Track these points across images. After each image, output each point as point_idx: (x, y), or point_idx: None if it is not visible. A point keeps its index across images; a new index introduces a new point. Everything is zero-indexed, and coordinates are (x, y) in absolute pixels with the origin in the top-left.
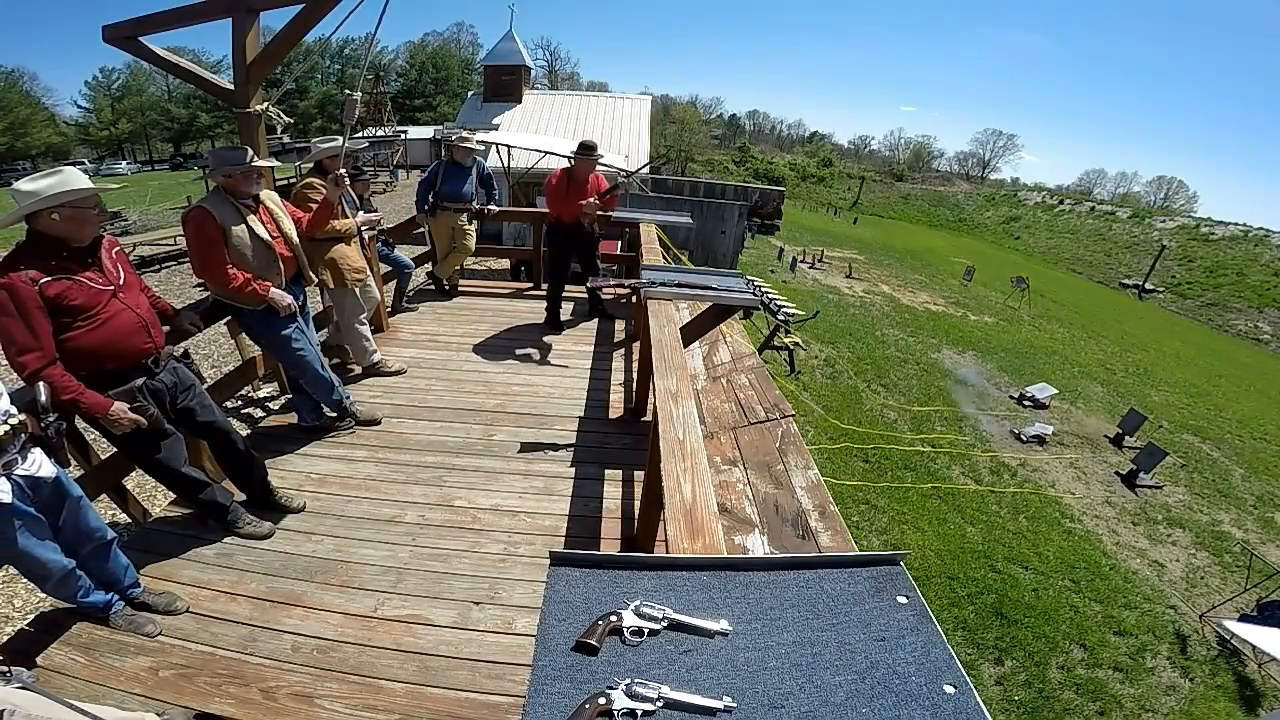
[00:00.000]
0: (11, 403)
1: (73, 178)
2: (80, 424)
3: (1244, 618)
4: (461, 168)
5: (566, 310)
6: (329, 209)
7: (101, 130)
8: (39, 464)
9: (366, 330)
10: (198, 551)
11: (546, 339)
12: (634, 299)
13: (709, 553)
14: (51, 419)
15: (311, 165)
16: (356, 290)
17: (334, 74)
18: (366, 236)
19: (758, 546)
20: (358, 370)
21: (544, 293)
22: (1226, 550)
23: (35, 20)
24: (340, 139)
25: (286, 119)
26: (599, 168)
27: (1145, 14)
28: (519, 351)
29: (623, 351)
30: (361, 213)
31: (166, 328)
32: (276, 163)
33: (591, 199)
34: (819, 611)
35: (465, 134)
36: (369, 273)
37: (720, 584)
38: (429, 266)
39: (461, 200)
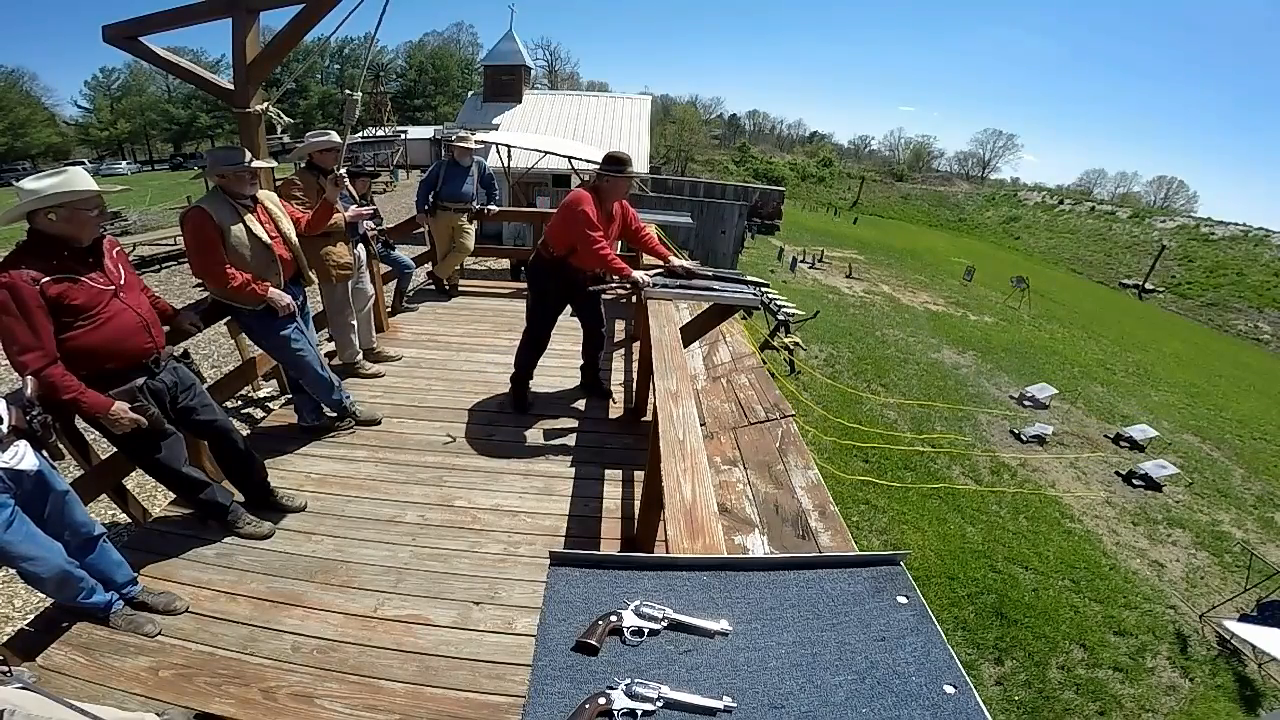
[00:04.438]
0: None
1: (76, 179)
2: (80, 424)
3: (1244, 618)
4: (461, 168)
5: (566, 312)
6: (329, 209)
7: (101, 130)
8: (21, 456)
9: (354, 327)
10: (198, 551)
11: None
12: (634, 299)
13: (709, 553)
14: (35, 412)
15: (305, 162)
16: (345, 285)
17: (334, 74)
18: (364, 229)
19: (758, 546)
20: (369, 369)
21: None
22: (1226, 550)
23: (35, 20)
24: (332, 133)
25: (287, 119)
26: (586, 166)
27: (1145, 14)
28: None
29: (623, 351)
30: (353, 207)
31: (166, 328)
32: (274, 163)
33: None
34: (819, 611)
35: (465, 134)
36: (361, 270)
37: (720, 584)
38: (429, 266)
39: (462, 200)
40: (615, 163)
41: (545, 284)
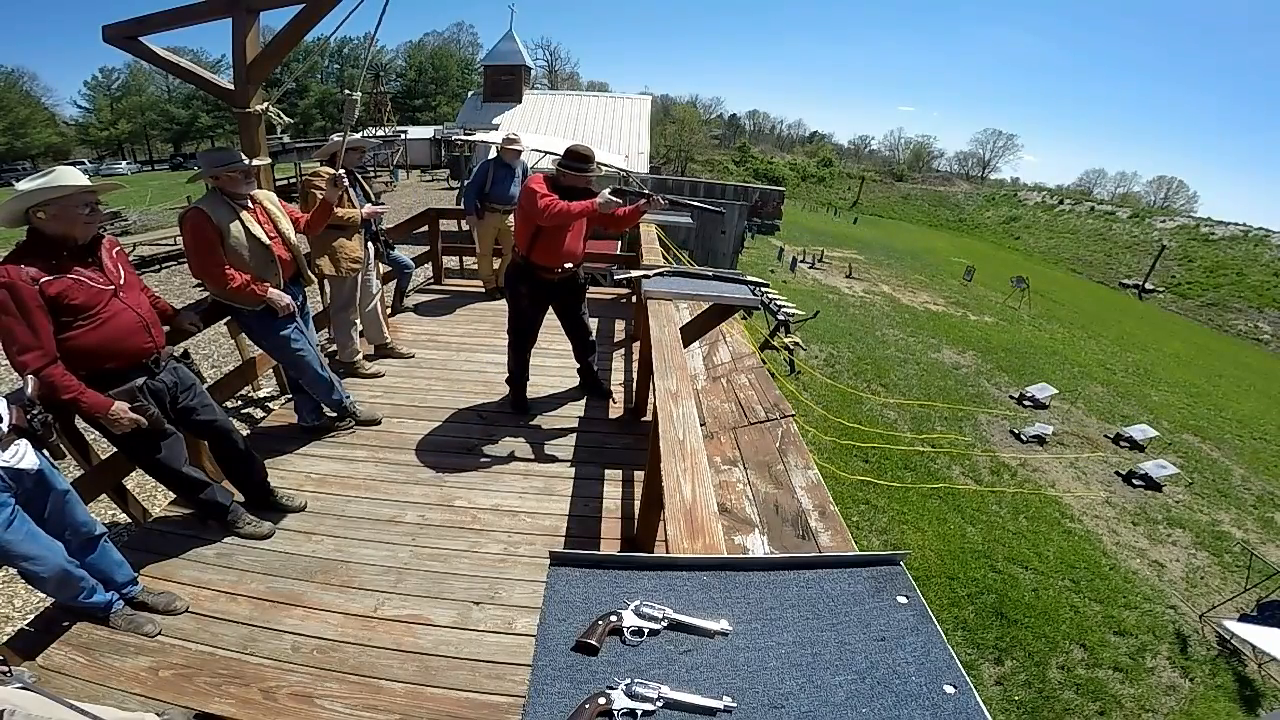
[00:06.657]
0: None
1: (62, 176)
2: (80, 424)
3: (1244, 618)
4: (509, 169)
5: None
6: (327, 210)
7: (101, 130)
8: (21, 455)
9: (357, 325)
10: (198, 551)
11: (545, 339)
12: (634, 299)
13: (709, 553)
14: (36, 411)
15: (327, 159)
16: (354, 280)
17: (334, 74)
18: (375, 227)
19: (758, 546)
20: (369, 369)
21: None
22: (1226, 550)
23: (35, 20)
24: (360, 137)
25: (287, 119)
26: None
27: (1145, 14)
28: None
29: (623, 351)
30: (368, 205)
31: (166, 328)
32: (268, 160)
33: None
34: (819, 611)
35: (514, 136)
36: (369, 266)
37: (720, 584)
38: (429, 266)
39: (510, 202)
40: (578, 158)
41: (516, 288)
